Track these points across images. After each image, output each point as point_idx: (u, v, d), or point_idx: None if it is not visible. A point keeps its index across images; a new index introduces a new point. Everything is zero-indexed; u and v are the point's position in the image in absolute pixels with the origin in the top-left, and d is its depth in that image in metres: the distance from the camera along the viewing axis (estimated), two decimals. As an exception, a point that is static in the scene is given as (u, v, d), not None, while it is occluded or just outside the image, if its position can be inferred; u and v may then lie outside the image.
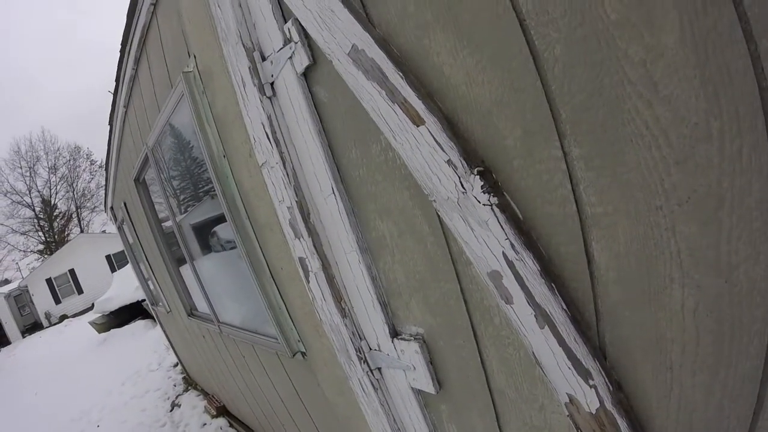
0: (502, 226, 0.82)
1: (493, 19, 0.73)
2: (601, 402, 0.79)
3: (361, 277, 1.21)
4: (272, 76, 1.19)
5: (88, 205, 38.37)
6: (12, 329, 23.23)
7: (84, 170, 38.38)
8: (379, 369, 1.33)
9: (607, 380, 0.78)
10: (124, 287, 11.86)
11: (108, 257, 25.52)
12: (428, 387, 1.16)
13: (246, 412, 3.72)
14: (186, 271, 3.55)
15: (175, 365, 7.20)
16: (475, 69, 0.79)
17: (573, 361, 0.80)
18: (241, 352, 2.78)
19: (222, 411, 4.51)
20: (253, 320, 2.30)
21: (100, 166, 35.77)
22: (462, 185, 0.84)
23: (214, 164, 1.68)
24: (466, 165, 0.83)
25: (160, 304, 5.26)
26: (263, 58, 1.20)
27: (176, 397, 5.70)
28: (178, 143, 2.30)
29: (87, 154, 38.57)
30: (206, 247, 2.83)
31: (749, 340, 0.62)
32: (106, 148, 4.10)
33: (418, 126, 0.87)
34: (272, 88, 1.22)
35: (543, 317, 0.81)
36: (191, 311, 3.64)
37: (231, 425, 4.27)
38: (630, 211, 0.68)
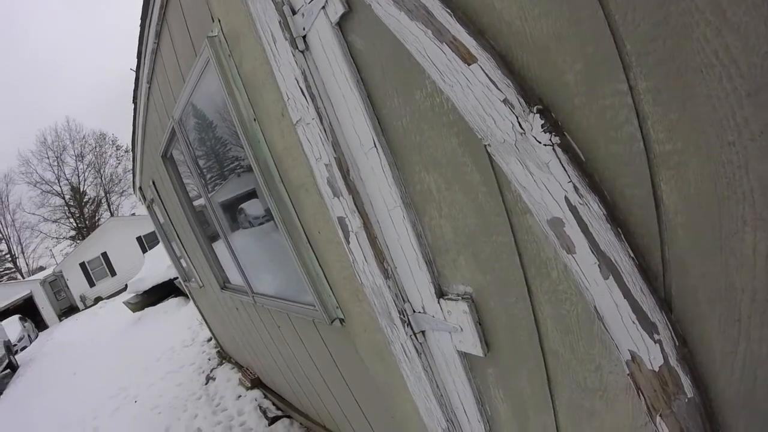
0: (564, 168, 0.76)
1: None
2: (666, 358, 0.74)
3: (405, 234, 1.17)
4: (304, 29, 1.14)
5: (116, 189, 39.46)
6: (49, 314, 24.41)
7: (110, 156, 39.34)
8: (423, 332, 1.30)
9: (673, 334, 0.73)
10: (156, 267, 12.22)
11: (138, 239, 26.31)
12: (476, 349, 1.13)
13: (281, 383, 3.80)
14: (218, 245, 3.60)
15: (209, 340, 7.42)
16: (530, 1, 0.72)
17: (638, 314, 0.75)
18: (275, 322, 2.81)
19: (256, 383, 4.62)
20: (288, 289, 2.30)
21: (126, 151, 36.57)
22: (520, 125, 0.78)
23: (245, 129, 1.65)
24: (523, 103, 0.77)
25: (193, 280, 5.37)
26: (293, 12, 1.15)
27: (211, 371, 5.88)
28: (204, 113, 2.28)
29: (112, 140, 39.47)
30: (236, 223, 2.85)
31: None
32: (132, 127, 4.13)
33: (469, 64, 0.81)
34: (304, 41, 1.16)
35: (607, 266, 0.76)
36: (224, 284, 3.70)
37: (266, 396, 4.38)
38: (701, 147, 0.62)
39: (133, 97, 3.47)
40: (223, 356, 6.25)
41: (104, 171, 39.15)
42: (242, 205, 2.66)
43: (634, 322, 0.76)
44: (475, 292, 1.09)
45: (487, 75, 0.79)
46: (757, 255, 0.62)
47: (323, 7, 1.05)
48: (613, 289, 0.77)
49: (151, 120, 3.46)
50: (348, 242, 1.35)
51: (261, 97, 1.51)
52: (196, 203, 3.52)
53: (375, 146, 1.11)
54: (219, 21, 1.56)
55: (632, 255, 0.74)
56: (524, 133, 0.78)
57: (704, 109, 0.60)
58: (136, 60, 2.85)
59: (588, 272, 0.79)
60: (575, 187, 0.76)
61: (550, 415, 1.06)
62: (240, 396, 4.60)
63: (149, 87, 3.03)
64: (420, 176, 1.08)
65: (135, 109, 3.67)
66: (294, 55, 1.17)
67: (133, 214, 31.13)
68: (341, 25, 1.06)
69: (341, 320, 1.80)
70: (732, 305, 0.67)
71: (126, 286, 13.61)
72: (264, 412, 4.02)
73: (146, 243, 25.20)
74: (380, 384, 1.79)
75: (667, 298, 0.74)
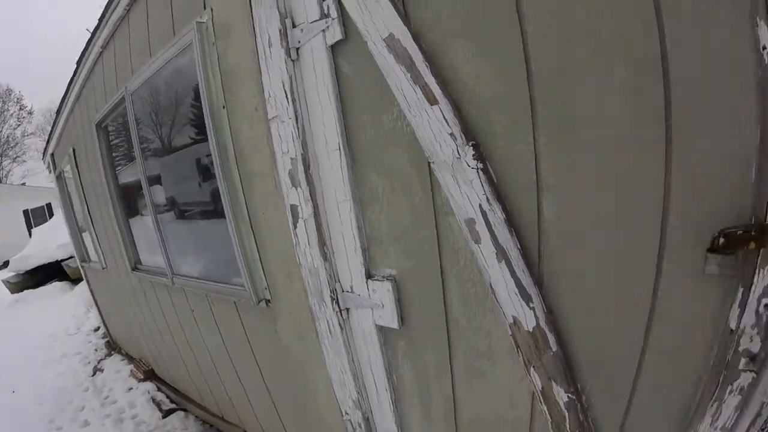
0: (482, 185, 1.07)
1: (503, 37, 0.98)
2: (537, 322, 1.05)
3: (348, 224, 1.40)
4: (299, 42, 1.36)
5: (10, 153, 34.90)
6: None
7: (11, 115, 34.87)
8: (347, 310, 1.52)
9: (543, 304, 1.05)
10: (44, 245, 11.07)
11: (26, 212, 23.46)
12: (393, 323, 1.38)
13: (179, 375, 3.73)
14: (136, 224, 3.53)
15: (96, 329, 6.90)
16: (483, 73, 1.04)
17: (519, 288, 1.06)
18: (190, 305, 2.84)
19: (150, 375, 4.45)
20: (215, 271, 2.39)
21: (30, 112, 32.84)
22: (458, 152, 1.08)
23: (213, 113, 1.79)
24: (463, 138, 1.08)
25: (94, 260, 5.07)
26: (294, 25, 1.36)
27: (98, 362, 5.49)
28: (164, 92, 2.35)
29: (18, 98, 35.05)
30: (170, 204, 2.87)
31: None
32: (65, 89, 3.95)
33: (432, 105, 1.10)
34: (297, 52, 1.38)
35: (502, 254, 1.06)
36: (136, 265, 3.61)
37: (159, 389, 4.23)
38: (571, 183, 0.97)
39: (79, 59, 3.37)
40: (113, 347, 5.87)
41: (2, 130, 34.55)
42: (178, 187, 2.70)
43: (516, 294, 1.07)
44: (398, 275, 1.35)
45: (443, 114, 1.09)
46: (600, 253, 0.96)
47: (324, 30, 1.28)
48: (504, 270, 1.07)
49: (92, 85, 3.37)
50: (296, 227, 1.55)
51: (237, 89, 1.68)
52: (123, 180, 3.45)
53: (339, 149, 1.35)
54: (212, 10, 1.72)
55: (519, 247, 1.06)
56: (460, 158, 1.08)
57: (576, 161, 0.95)
58: (97, 21, 2.82)
59: (488, 257, 1.09)
60: (487, 198, 1.07)
61: (448, 379, 1.34)
62: (131, 388, 4.38)
63: (101, 52, 3.00)
64: (371, 179, 1.34)
65: (76, 72, 3.55)
66: (286, 63, 1.38)
67: (24, 184, 27.82)
68: (334, 48, 1.30)
69: (267, 301, 1.95)
70: (584, 285, 1.01)
71: (6, 262, 12.07)
72: (158, 404, 3.89)
73: (33, 218, 22.56)
74: (295, 364, 1.96)
75: (540, 278, 1.07)
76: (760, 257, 0.80)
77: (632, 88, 0.85)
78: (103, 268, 4.76)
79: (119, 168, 3.50)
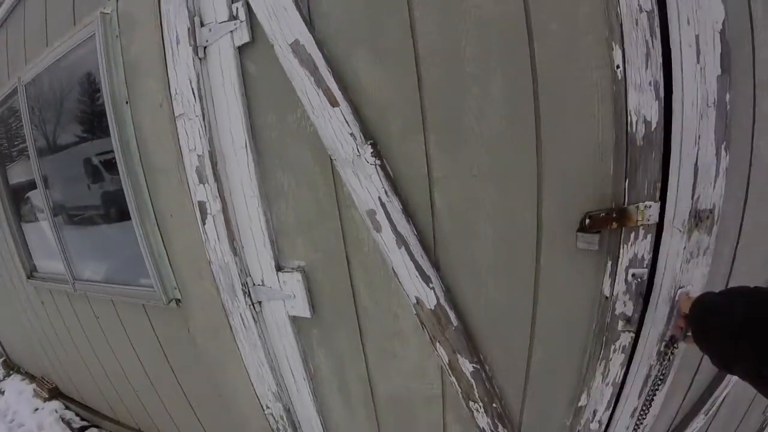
0: (381, 179, 1.15)
1: (399, 48, 1.06)
2: (438, 300, 1.15)
3: (256, 219, 1.41)
4: (207, 41, 1.34)
5: None
6: None
7: None
8: (260, 303, 1.53)
9: (441, 284, 1.15)
10: None
11: None
12: (305, 312, 1.41)
13: (87, 389, 3.49)
14: (29, 228, 3.22)
15: (-12, 349, 6.18)
16: (381, 79, 1.12)
17: (419, 271, 1.14)
18: (94, 313, 2.66)
19: (55, 393, 4.10)
20: (119, 273, 2.27)
21: None
22: (358, 150, 1.15)
23: (115, 109, 1.69)
24: (362, 138, 1.15)
25: (-19, 271, 4.54)
26: (202, 24, 1.34)
27: (-3, 384, 4.94)
28: (61, 85, 2.16)
29: None
30: (66, 206, 2.65)
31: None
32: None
33: (334, 107, 1.15)
34: (204, 51, 1.36)
35: (401, 240, 1.14)
36: (31, 273, 3.30)
37: (67, 407, 3.91)
38: (457, 177, 1.08)
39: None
40: (11, 366, 5.30)
41: None
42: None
43: (417, 276, 1.16)
44: (307, 266, 1.38)
45: (344, 116, 1.15)
46: (487, 237, 1.08)
47: (232, 31, 1.28)
48: (404, 255, 1.16)
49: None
50: (204, 223, 1.52)
51: (141, 84, 1.60)
52: (14, 180, 3.12)
53: (246, 147, 1.35)
54: (117, 1, 1.61)
55: (416, 234, 1.15)
56: (360, 156, 1.15)
57: (461, 157, 1.05)
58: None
59: (389, 244, 1.17)
60: (385, 191, 1.15)
61: (362, 363, 1.41)
62: (37, 409, 4.00)
63: None
64: (276, 175, 1.36)
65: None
66: (193, 60, 1.35)
67: None
68: (241, 49, 1.30)
69: (178, 301, 1.89)
70: (476, 265, 1.12)
71: None
72: (68, 423, 3.60)
73: None
74: (211, 363, 1.92)
75: (437, 261, 1.17)
76: (622, 234, 0.95)
77: (508, 96, 0.97)
78: (-8, 280, 4.28)
79: (8, 166, 3.16)
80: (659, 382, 1.05)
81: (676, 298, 0.98)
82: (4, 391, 4.67)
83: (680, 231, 0.93)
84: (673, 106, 0.87)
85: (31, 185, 2.74)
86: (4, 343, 5.45)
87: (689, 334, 0.87)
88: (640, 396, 1.11)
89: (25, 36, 2.31)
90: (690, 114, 0.86)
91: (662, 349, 1.02)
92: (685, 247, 0.95)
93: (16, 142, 2.79)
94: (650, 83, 0.86)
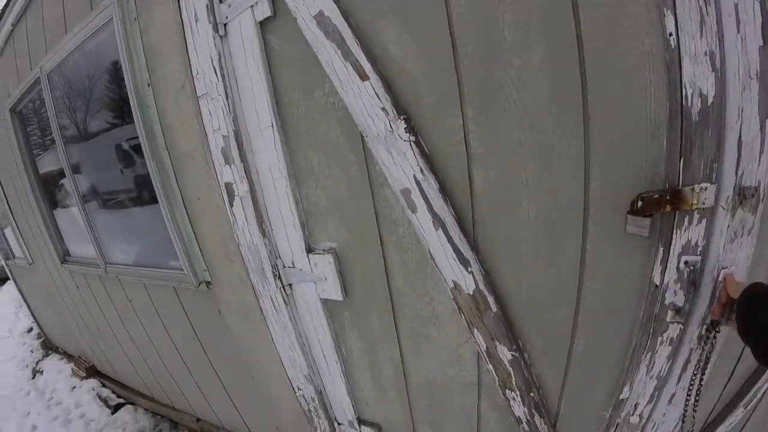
0: (415, 157, 1.08)
1: (431, 16, 0.98)
2: (477, 284, 1.09)
3: (285, 200, 1.37)
4: (227, 18, 1.28)
5: None
6: None
7: None
8: (291, 285, 1.51)
9: (481, 268, 1.09)
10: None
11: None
12: (337, 294, 1.38)
13: (123, 368, 3.59)
14: (60, 214, 3.28)
15: (29, 330, 6.44)
16: (412, 50, 1.04)
17: (457, 254, 1.08)
18: (127, 295, 2.70)
19: (92, 371, 4.24)
20: (150, 257, 2.28)
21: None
22: (390, 126, 1.09)
23: (138, 93, 1.67)
24: (395, 112, 1.08)
25: (19, 256, 4.69)
26: (221, 0, 1.28)
27: (36, 364, 5.15)
28: (83, 71, 2.15)
29: None
30: (95, 192, 2.68)
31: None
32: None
33: (363, 81, 1.09)
34: (225, 28, 1.31)
35: (438, 222, 1.08)
36: (65, 258, 3.38)
37: (104, 385, 4.05)
38: (498, 153, 1.00)
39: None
40: (49, 347, 5.53)
41: None
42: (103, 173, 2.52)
43: (455, 260, 1.10)
44: (338, 247, 1.34)
45: (374, 90, 1.08)
46: (530, 218, 1.00)
47: (252, 6, 1.21)
48: (441, 237, 1.09)
49: (2, 68, 3.04)
50: (232, 205, 1.49)
51: (161, 66, 1.56)
52: (43, 169, 3.18)
53: (272, 126, 1.30)
54: None
55: (454, 214, 1.08)
56: (392, 131, 1.08)
57: (502, 132, 0.97)
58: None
59: (425, 225, 1.11)
60: (421, 169, 1.08)
61: (395, 345, 1.37)
62: (75, 387, 4.16)
63: (12, 30, 2.70)
64: (305, 154, 1.31)
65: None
66: (214, 38, 1.30)
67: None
68: (262, 24, 1.24)
69: (208, 283, 1.89)
70: (517, 249, 1.05)
71: None
72: (104, 401, 3.73)
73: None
74: (243, 346, 1.92)
75: (476, 244, 1.10)
76: (676, 218, 0.87)
77: (551, 66, 0.89)
78: (30, 264, 4.42)
79: (42, 155, 3.21)
80: (702, 370, 0.97)
81: (719, 279, 0.90)
82: (43, 371, 4.87)
83: (724, 209, 0.85)
84: (727, 79, 0.78)
85: (62, 173, 2.77)
86: (42, 324, 5.66)
87: (733, 318, 0.80)
88: (678, 382, 1.04)
89: (44, 24, 2.30)
90: (732, 85, 0.78)
91: (703, 332, 0.94)
92: (728, 226, 0.86)
93: (48, 131, 2.81)
94: (706, 53, 0.77)
